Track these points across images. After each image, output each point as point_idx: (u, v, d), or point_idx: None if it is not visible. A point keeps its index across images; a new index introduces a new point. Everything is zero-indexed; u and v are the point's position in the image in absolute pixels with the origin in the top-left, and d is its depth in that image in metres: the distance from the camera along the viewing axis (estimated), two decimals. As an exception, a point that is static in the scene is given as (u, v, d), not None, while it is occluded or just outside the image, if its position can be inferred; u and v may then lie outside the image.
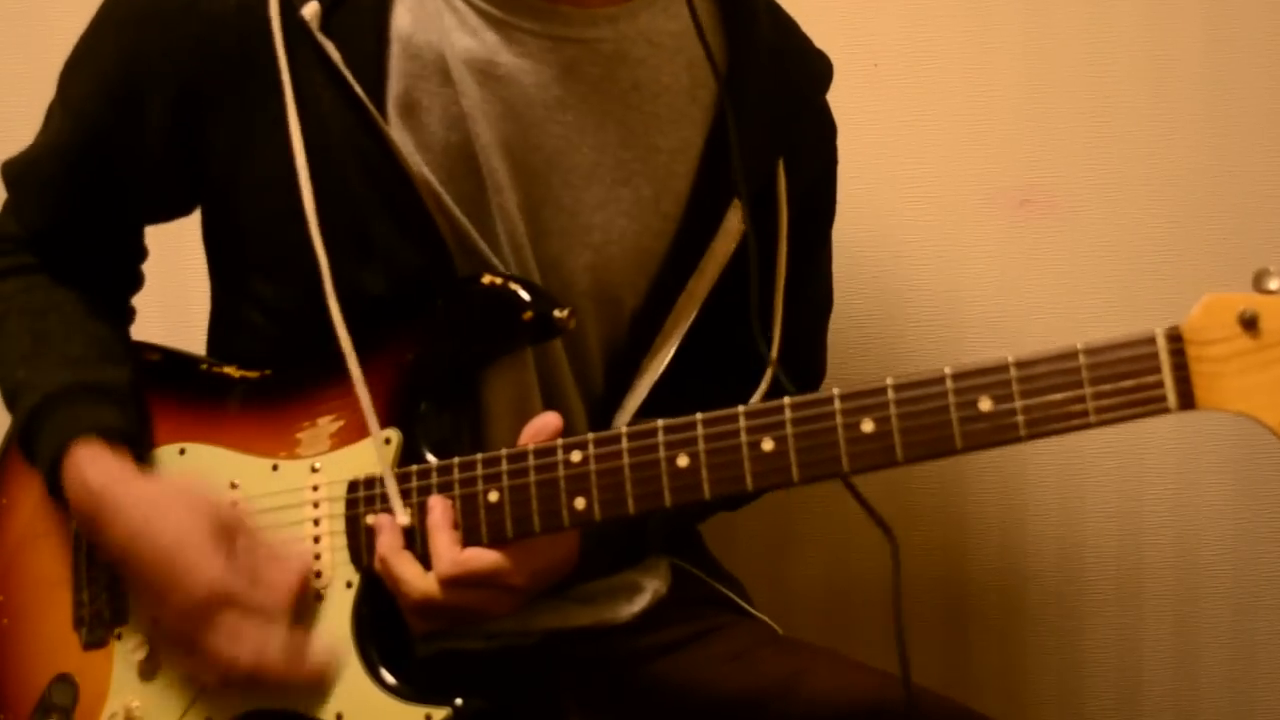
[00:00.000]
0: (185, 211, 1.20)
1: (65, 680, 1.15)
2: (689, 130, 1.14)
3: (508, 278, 1.07)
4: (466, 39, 1.08)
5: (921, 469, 1.65)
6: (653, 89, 1.12)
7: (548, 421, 1.00)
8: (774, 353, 1.14)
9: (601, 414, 1.15)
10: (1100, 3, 1.58)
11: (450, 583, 0.98)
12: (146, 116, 1.10)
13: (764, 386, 1.11)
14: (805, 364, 1.26)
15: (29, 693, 1.16)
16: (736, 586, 1.30)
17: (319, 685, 1.03)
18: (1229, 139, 1.59)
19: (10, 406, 1.15)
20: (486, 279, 1.07)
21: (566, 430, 1.01)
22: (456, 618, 1.01)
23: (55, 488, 1.10)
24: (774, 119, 1.15)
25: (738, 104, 1.12)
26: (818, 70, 1.22)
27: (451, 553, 0.99)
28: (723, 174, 1.13)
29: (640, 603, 1.19)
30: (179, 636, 1.05)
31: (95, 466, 1.07)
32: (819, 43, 1.24)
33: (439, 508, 1.01)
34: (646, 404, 1.14)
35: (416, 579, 0.99)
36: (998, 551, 1.66)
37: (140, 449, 1.12)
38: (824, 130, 1.23)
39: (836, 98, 1.23)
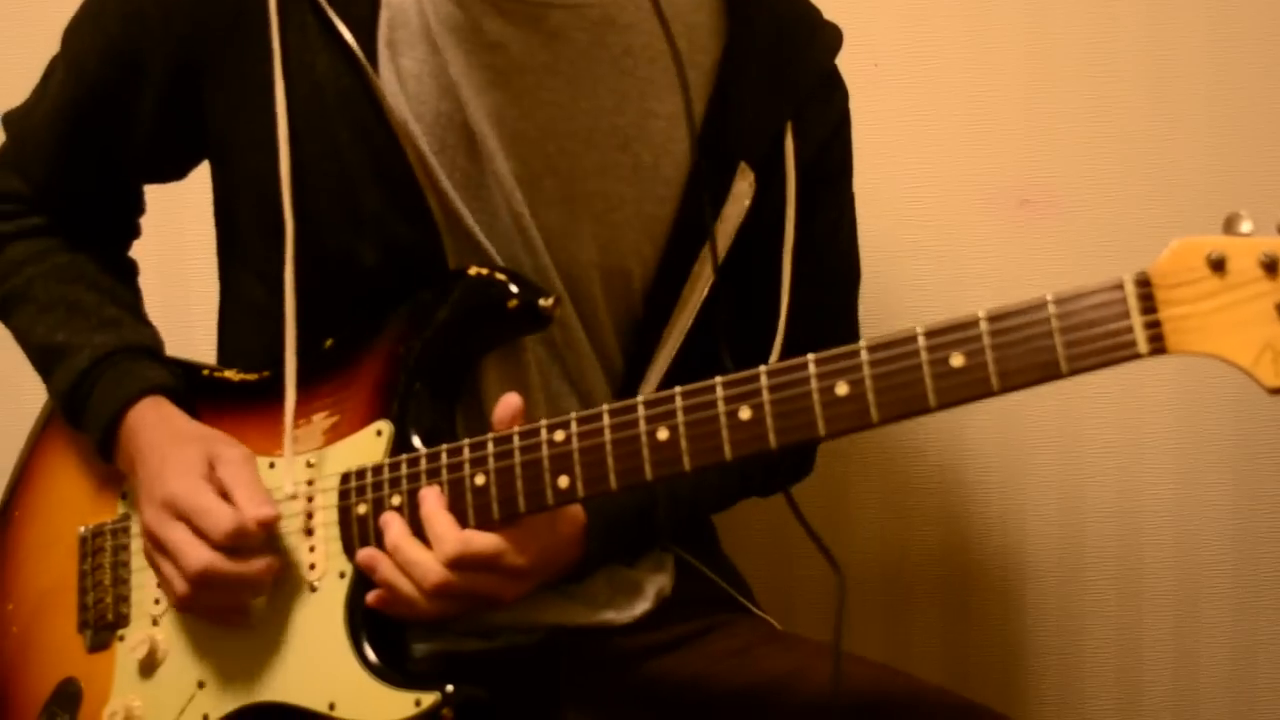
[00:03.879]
0: (183, 173, 1.22)
1: (71, 683, 1.16)
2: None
3: (494, 268, 1.08)
4: (449, 6, 1.08)
5: (922, 468, 1.65)
6: (647, 54, 1.12)
7: (509, 401, 1.01)
8: (782, 319, 1.14)
9: (625, 388, 1.15)
10: (1101, 2, 1.58)
11: (456, 563, 0.98)
12: (146, 74, 1.13)
13: (775, 354, 1.12)
14: (835, 336, 1.20)
15: (36, 696, 1.17)
16: (741, 584, 1.30)
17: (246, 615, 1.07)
18: (1229, 139, 1.59)
19: (47, 368, 1.18)
20: (473, 270, 1.08)
21: (590, 405, 1.02)
22: (467, 603, 1.00)
23: (108, 442, 1.14)
24: (778, 85, 1.14)
25: (740, 70, 1.12)
26: (823, 37, 1.20)
27: (454, 533, 0.99)
28: (725, 139, 1.13)
29: (642, 605, 1.19)
30: (148, 541, 1.08)
31: (154, 414, 1.12)
32: (818, 43, 1.24)
33: (431, 496, 1.01)
34: (671, 373, 1.14)
35: (429, 560, 0.99)
36: (998, 551, 1.66)
37: (181, 398, 1.15)
38: (833, 95, 1.21)
39: (837, 97, 1.23)
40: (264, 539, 1.05)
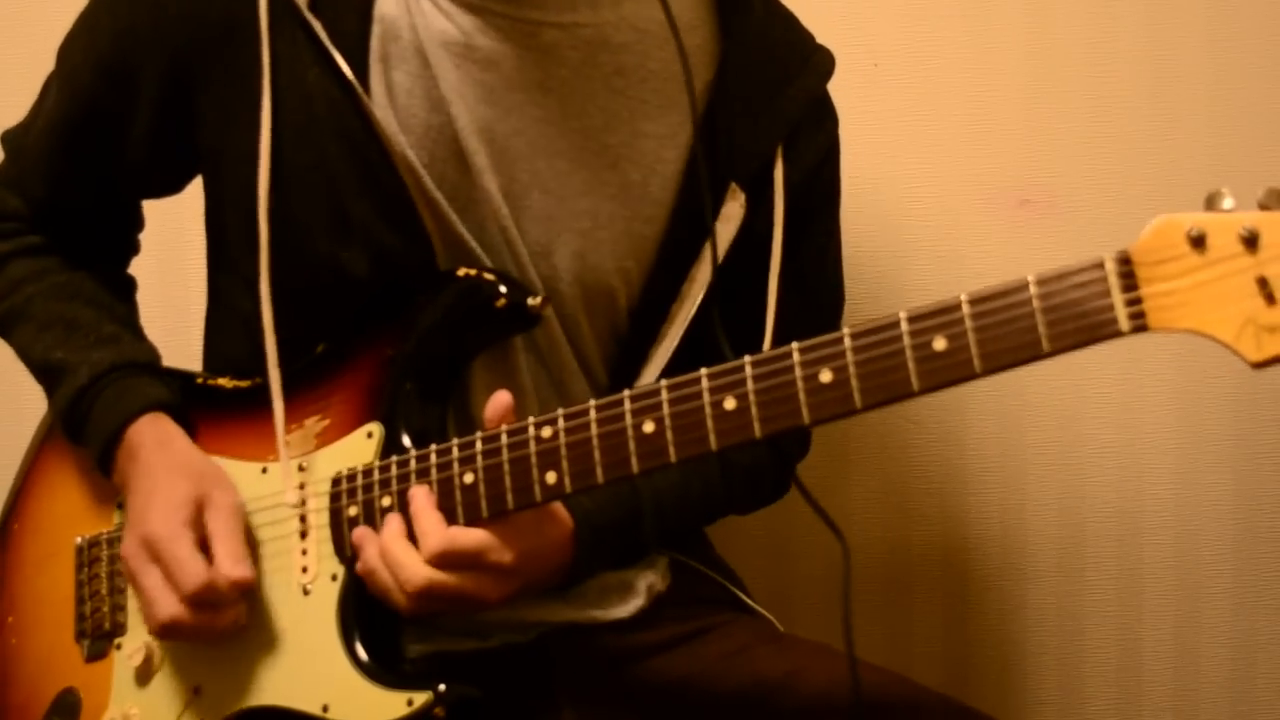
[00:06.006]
0: (178, 187, 1.23)
1: (70, 693, 1.16)
2: (679, 116, 1.14)
3: (481, 269, 1.09)
4: (442, 22, 1.09)
5: (922, 468, 1.65)
6: (639, 74, 1.12)
7: (500, 399, 1.01)
8: (767, 343, 1.14)
9: None
10: (1101, 2, 1.58)
11: (441, 560, 0.99)
12: (139, 88, 1.13)
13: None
14: None
15: (36, 707, 1.17)
16: (736, 581, 1.30)
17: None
18: (1229, 139, 1.59)
19: (47, 386, 1.19)
20: (461, 272, 1.09)
21: None
22: (454, 601, 1.00)
23: (107, 458, 1.14)
24: (770, 109, 1.15)
25: (732, 92, 1.12)
26: (816, 62, 1.21)
27: (439, 530, 0.99)
28: (715, 160, 1.13)
29: (633, 603, 1.19)
30: (126, 569, 1.08)
31: (154, 432, 1.12)
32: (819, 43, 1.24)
33: (420, 494, 1.02)
34: None
35: (414, 563, 0.99)
36: (998, 551, 1.66)
37: (180, 414, 1.16)
38: (824, 121, 1.22)
39: (837, 98, 1.23)
40: (236, 597, 1.05)
